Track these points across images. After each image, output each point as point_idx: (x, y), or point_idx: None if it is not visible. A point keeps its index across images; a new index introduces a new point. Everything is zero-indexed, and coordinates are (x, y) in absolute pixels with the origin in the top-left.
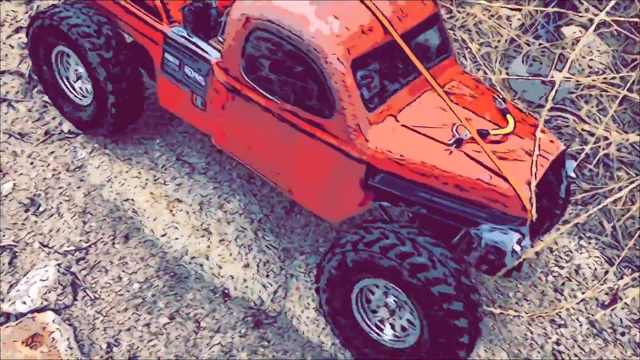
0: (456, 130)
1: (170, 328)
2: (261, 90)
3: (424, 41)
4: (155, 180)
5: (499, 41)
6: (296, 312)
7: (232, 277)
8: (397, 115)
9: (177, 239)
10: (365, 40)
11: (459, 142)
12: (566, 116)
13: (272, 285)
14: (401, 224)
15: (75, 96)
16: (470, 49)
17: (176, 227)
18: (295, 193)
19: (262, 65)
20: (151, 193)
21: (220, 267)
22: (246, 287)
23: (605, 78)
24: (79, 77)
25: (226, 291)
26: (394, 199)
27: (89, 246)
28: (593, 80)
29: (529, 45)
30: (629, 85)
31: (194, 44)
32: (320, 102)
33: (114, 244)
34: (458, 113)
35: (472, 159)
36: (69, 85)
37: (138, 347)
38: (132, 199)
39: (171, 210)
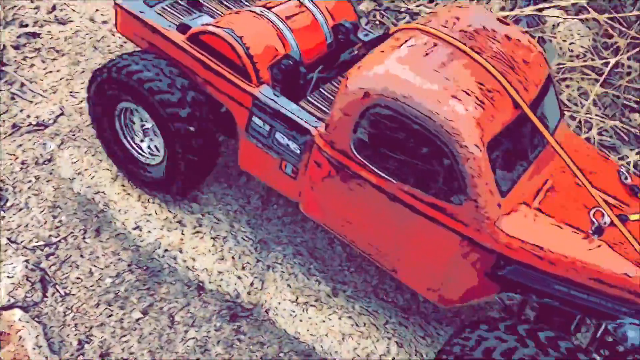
0: (594, 215)
1: (144, 323)
2: (374, 169)
3: (544, 107)
4: None
5: None
6: (273, 304)
7: (207, 270)
8: (529, 199)
9: (149, 231)
10: (498, 118)
11: (599, 231)
12: None
13: (248, 278)
14: (538, 328)
15: (142, 154)
16: None
17: (148, 220)
18: (402, 274)
19: (378, 143)
20: (122, 185)
21: (194, 260)
22: (221, 279)
23: (585, 61)
24: (146, 134)
25: (201, 284)
26: (523, 290)
27: (59, 241)
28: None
29: None
30: (609, 68)
31: (289, 110)
32: (447, 186)
33: (84, 238)
34: (596, 196)
35: (615, 250)
36: (134, 144)
37: (110, 343)
38: (103, 192)
39: (143, 203)
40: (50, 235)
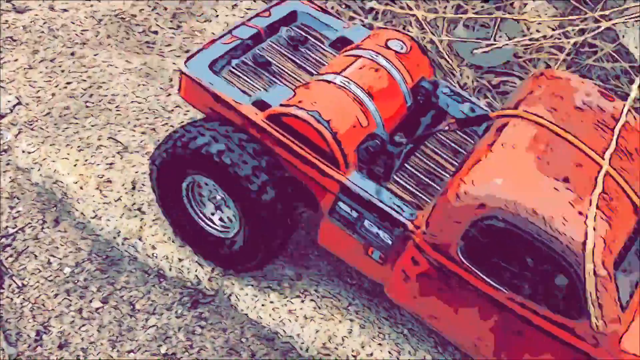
0: None
1: (104, 312)
2: (483, 277)
3: None
4: (85, 161)
5: (445, 7)
6: (234, 289)
7: (167, 257)
8: None
9: (109, 220)
10: (622, 230)
11: None
12: (514, 81)
13: (209, 264)
14: None
15: (213, 228)
16: (416, 15)
17: (107, 208)
18: None
19: (490, 252)
20: (80, 174)
21: (154, 248)
22: (182, 266)
23: (553, 41)
24: (218, 207)
25: (161, 272)
26: None
27: (17, 232)
28: (540, 43)
29: (474, 9)
30: (571, 47)
31: (382, 201)
32: (566, 301)
33: (42, 228)
34: None
35: None
36: (203, 218)
37: (69, 333)
38: (62, 182)
39: (102, 191)
40: (7, 227)
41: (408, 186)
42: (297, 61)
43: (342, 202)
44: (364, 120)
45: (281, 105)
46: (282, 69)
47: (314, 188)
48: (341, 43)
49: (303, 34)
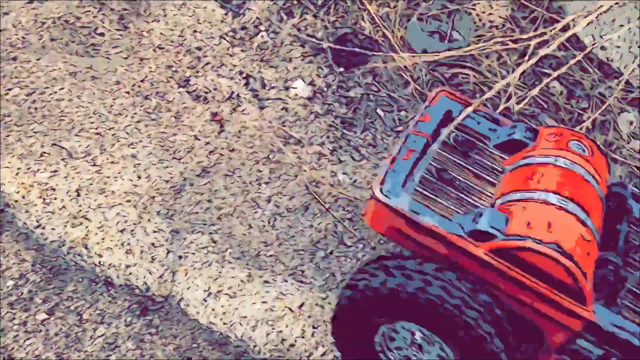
0: None
1: (50, 324)
2: None
3: None
4: (28, 169)
5: (398, 0)
6: (184, 295)
7: (114, 265)
8: None
9: (53, 229)
10: None
11: None
12: (466, 72)
13: (157, 270)
14: None
15: None
16: (368, 10)
17: (51, 217)
18: None
19: None
20: (22, 183)
21: (100, 256)
22: (130, 273)
23: (505, 32)
24: (420, 347)
25: (109, 280)
26: None
27: None
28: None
29: (426, 2)
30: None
31: (635, 336)
32: None
33: None
34: None
35: None
36: None
37: (13, 348)
38: (3, 191)
39: (45, 200)
40: None
41: (637, 308)
42: (474, 170)
43: (585, 340)
44: (590, 242)
45: (508, 236)
46: (465, 183)
47: (543, 323)
48: (508, 144)
49: (469, 137)
